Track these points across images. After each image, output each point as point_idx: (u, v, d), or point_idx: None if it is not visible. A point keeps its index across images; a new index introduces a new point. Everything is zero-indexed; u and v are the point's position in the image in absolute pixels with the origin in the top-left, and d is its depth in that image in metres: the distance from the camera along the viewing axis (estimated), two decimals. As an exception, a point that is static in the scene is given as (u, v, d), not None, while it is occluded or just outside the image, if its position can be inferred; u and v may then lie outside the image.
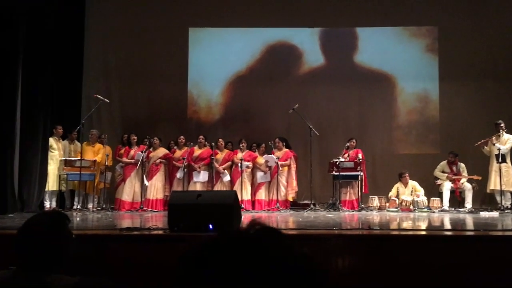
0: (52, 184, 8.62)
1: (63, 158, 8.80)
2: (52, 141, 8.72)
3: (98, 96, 8.76)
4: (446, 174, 9.06)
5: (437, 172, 9.21)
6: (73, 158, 8.74)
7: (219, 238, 0.80)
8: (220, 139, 9.32)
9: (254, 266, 0.74)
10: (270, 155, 8.99)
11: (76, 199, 8.94)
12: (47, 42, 8.60)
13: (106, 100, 8.81)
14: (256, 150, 9.32)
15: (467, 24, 10.25)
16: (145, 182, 8.83)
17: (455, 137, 10.07)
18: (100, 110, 9.70)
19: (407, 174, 9.04)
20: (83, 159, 8.50)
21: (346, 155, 9.07)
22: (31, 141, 8.16)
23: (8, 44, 7.54)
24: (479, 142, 8.85)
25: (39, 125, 8.35)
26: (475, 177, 8.91)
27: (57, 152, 8.80)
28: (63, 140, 9.08)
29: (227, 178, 8.97)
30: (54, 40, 8.85)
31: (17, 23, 7.78)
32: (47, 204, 8.59)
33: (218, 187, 8.93)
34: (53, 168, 8.63)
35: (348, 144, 9.14)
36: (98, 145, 9.16)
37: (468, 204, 8.70)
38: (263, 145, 9.29)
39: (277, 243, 0.79)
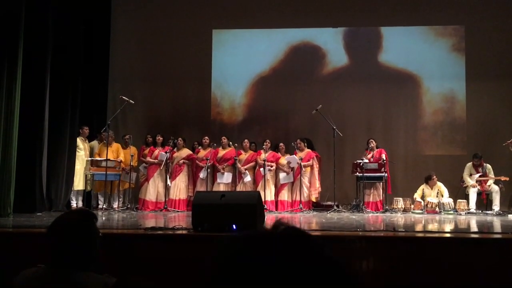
0: (78, 183, 8.78)
1: (89, 158, 8.95)
2: (78, 141, 8.89)
3: (123, 97, 8.88)
4: (474, 180, 8.83)
5: (466, 177, 8.99)
6: (99, 158, 8.89)
7: (244, 238, 0.80)
8: (246, 140, 9.35)
9: (280, 265, 0.74)
10: (292, 156, 8.97)
11: (101, 198, 9.09)
12: (74, 44, 8.79)
13: (131, 101, 8.93)
14: (279, 151, 9.32)
15: (494, 23, 10.05)
16: (168, 182, 8.93)
17: (482, 138, 9.88)
18: (126, 111, 9.84)
19: (434, 176, 8.88)
20: (109, 159, 8.63)
21: (369, 156, 9.00)
22: (59, 141, 8.34)
23: (36, 48, 7.71)
24: (507, 142, 8.66)
25: (66, 126, 8.54)
26: (502, 178, 8.73)
27: (83, 152, 8.96)
28: (90, 140, 9.25)
29: (248, 178, 9.00)
30: (81, 42, 9.03)
31: (46, 28, 7.96)
32: (73, 203, 8.75)
33: (240, 187, 8.97)
34: (79, 168, 8.78)
35: (371, 145, 9.07)
36: (115, 145, 9.19)
37: (496, 206, 8.53)
38: (281, 144, 9.25)
39: (304, 243, 0.78)
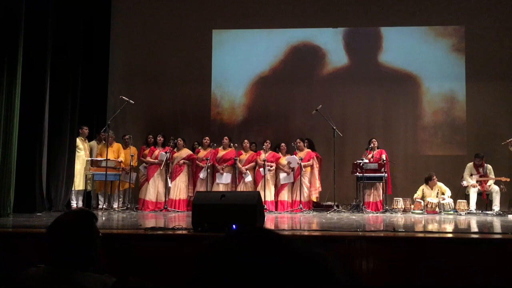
0: (78, 183, 8.78)
1: (89, 158, 8.95)
2: (78, 141, 8.88)
3: (123, 97, 8.88)
4: (474, 180, 8.82)
5: (466, 177, 8.99)
6: (99, 159, 8.88)
7: (212, 243, 0.82)
8: (246, 140, 9.36)
9: (249, 266, 0.75)
10: (292, 156, 8.98)
11: (101, 198, 9.09)
12: (74, 44, 8.78)
13: (131, 101, 8.93)
14: (280, 151, 9.33)
15: (494, 24, 10.05)
16: (169, 183, 8.93)
17: (482, 138, 9.88)
18: (126, 111, 9.82)
19: (435, 177, 8.87)
20: (109, 159, 8.62)
21: (370, 156, 9.00)
22: (59, 141, 8.33)
23: (36, 48, 7.71)
24: (507, 141, 8.66)
25: (66, 126, 8.53)
26: (503, 178, 8.73)
27: (83, 152, 8.96)
28: (89, 140, 9.25)
29: (249, 178, 9.01)
30: (81, 42, 9.02)
31: (46, 28, 7.96)
32: (73, 204, 8.75)
33: (240, 187, 8.97)
34: (79, 168, 8.78)
35: (371, 145, 9.07)
36: (116, 145, 9.22)
37: (496, 206, 8.53)
38: (283, 144, 9.28)
39: (271, 243, 0.79)
